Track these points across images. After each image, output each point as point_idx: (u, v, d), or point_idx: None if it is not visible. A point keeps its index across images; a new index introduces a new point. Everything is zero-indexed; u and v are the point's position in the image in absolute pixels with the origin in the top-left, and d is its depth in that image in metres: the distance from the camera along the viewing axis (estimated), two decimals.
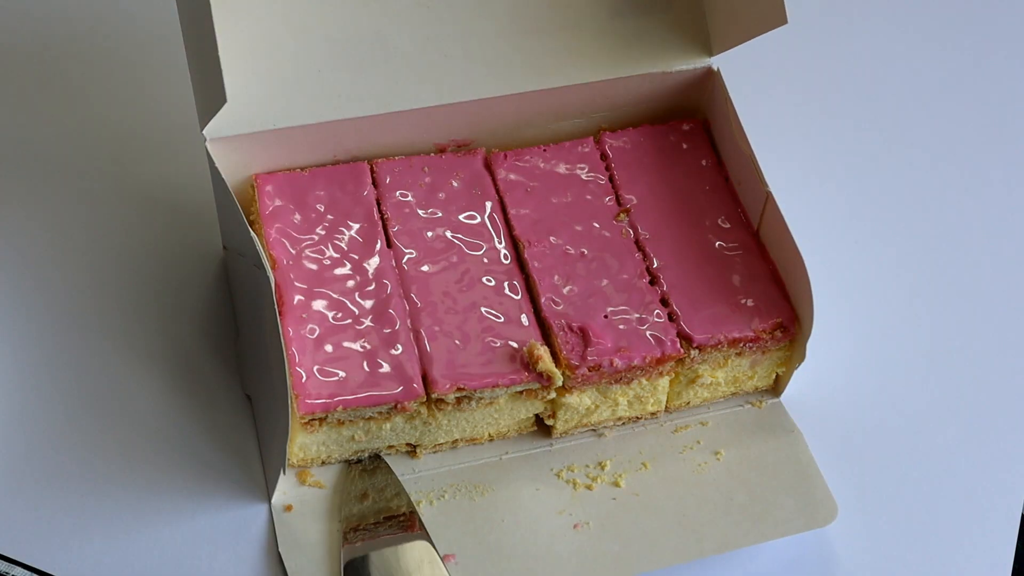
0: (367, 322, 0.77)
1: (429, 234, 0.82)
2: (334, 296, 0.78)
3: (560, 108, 0.88)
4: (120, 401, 0.82)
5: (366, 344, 0.76)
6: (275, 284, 0.78)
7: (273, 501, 0.77)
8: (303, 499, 0.78)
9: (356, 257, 0.80)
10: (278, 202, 0.82)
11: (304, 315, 0.77)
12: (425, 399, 0.75)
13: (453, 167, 0.86)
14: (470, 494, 0.78)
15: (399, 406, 0.75)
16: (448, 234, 0.83)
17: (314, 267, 0.79)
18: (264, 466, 0.79)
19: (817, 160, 0.98)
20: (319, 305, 0.78)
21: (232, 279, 0.87)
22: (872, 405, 0.85)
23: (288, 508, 0.77)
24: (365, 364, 0.75)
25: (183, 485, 0.79)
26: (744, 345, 0.79)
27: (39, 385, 0.83)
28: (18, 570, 0.75)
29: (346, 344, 0.76)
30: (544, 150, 0.87)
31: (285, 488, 0.78)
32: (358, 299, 0.78)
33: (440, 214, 0.84)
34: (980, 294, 0.91)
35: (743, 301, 0.80)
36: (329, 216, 0.82)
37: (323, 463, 0.79)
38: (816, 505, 0.78)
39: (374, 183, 0.85)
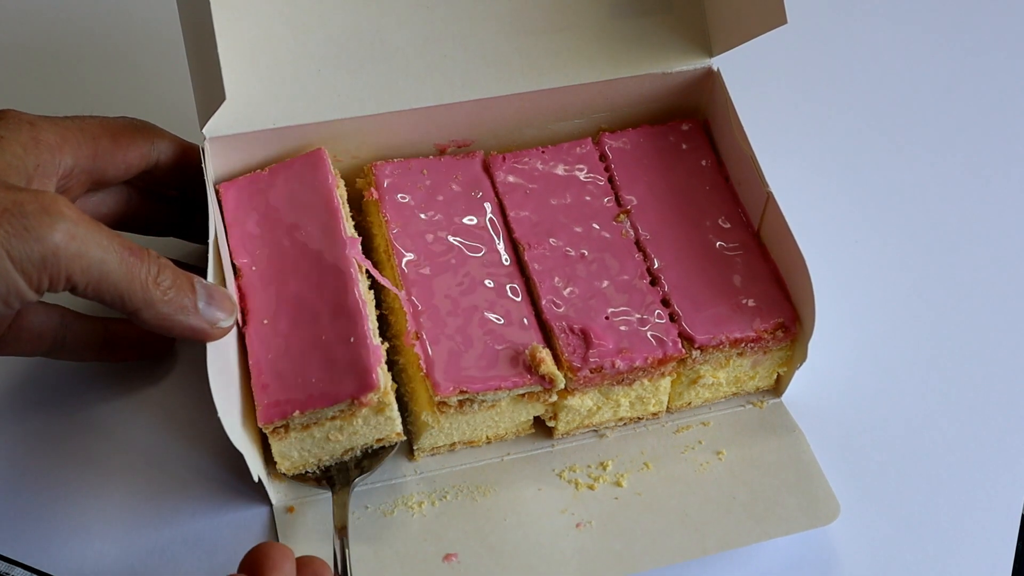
0: (326, 319, 0.76)
1: (429, 237, 0.82)
2: (294, 297, 0.77)
3: (560, 108, 0.88)
4: (120, 401, 0.82)
5: (324, 342, 0.75)
6: (239, 294, 0.77)
7: (275, 502, 0.77)
8: (305, 500, 0.77)
9: (317, 250, 0.79)
10: (239, 208, 0.81)
11: (265, 321, 0.76)
12: (382, 391, 0.73)
13: (452, 170, 0.86)
14: (472, 494, 0.78)
15: (356, 402, 0.73)
16: (448, 237, 0.82)
17: (276, 269, 0.78)
18: (265, 467, 0.79)
19: (817, 160, 0.98)
20: (280, 308, 0.76)
21: None
22: (873, 405, 0.85)
23: (290, 509, 0.77)
24: (323, 363, 0.74)
25: (184, 486, 0.78)
26: (746, 345, 0.79)
27: (39, 385, 0.82)
28: (18, 570, 0.75)
29: (306, 346, 0.75)
30: (543, 151, 0.87)
31: (287, 490, 0.78)
32: (318, 296, 0.77)
33: (440, 217, 0.83)
34: (981, 294, 0.91)
35: (744, 301, 0.80)
36: (289, 214, 0.81)
37: (317, 467, 0.77)
38: (818, 504, 0.78)
39: (374, 184, 0.84)
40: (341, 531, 0.74)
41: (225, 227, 0.80)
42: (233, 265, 0.79)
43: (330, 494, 0.76)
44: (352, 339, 0.74)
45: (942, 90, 1.05)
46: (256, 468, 0.74)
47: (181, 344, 0.85)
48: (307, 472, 0.77)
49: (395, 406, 0.75)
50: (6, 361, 0.83)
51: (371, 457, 0.77)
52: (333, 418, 0.74)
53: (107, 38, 1.02)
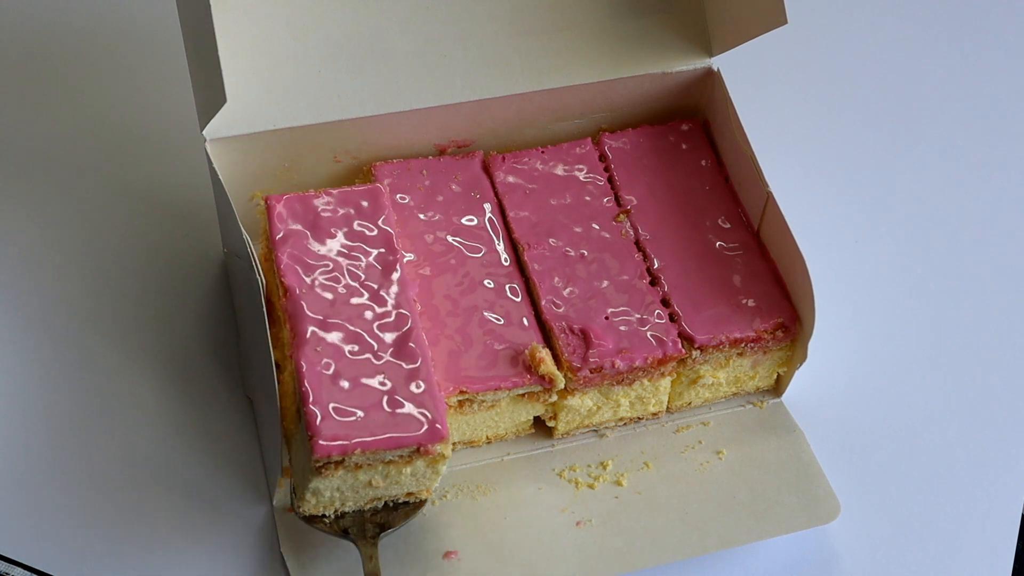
0: (386, 356, 0.73)
1: (428, 237, 0.82)
2: (351, 328, 0.73)
3: (560, 109, 0.88)
4: (120, 401, 0.82)
5: (385, 381, 0.72)
6: (288, 314, 0.74)
7: (275, 501, 0.77)
8: None
9: (375, 286, 0.76)
10: (290, 225, 0.78)
11: (319, 348, 0.72)
12: (450, 444, 0.71)
13: (451, 170, 0.86)
14: (472, 493, 0.78)
15: (422, 449, 0.70)
16: (448, 237, 0.82)
17: (329, 296, 0.75)
18: (265, 467, 0.79)
19: (817, 160, 0.98)
20: (334, 338, 0.73)
21: (232, 280, 0.87)
22: (873, 405, 0.85)
23: (290, 509, 0.77)
24: (385, 403, 0.71)
25: (184, 486, 0.78)
26: (746, 345, 0.79)
27: (40, 386, 0.82)
28: (18, 570, 0.74)
29: (364, 380, 0.71)
30: (542, 152, 0.87)
31: (288, 489, 0.78)
32: (376, 331, 0.74)
33: (439, 217, 0.83)
34: (981, 293, 0.91)
35: (744, 301, 0.80)
36: (345, 241, 0.77)
37: (335, 512, 0.74)
38: (818, 503, 0.78)
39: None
40: None
41: (271, 241, 0.78)
42: (281, 283, 0.76)
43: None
44: (419, 385, 0.72)
45: (943, 90, 1.05)
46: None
47: (182, 345, 0.85)
48: (324, 516, 0.74)
49: (447, 463, 0.72)
50: (4, 361, 0.83)
51: (389, 511, 0.74)
52: (389, 462, 0.71)
53: (106, 39, 1.02)
